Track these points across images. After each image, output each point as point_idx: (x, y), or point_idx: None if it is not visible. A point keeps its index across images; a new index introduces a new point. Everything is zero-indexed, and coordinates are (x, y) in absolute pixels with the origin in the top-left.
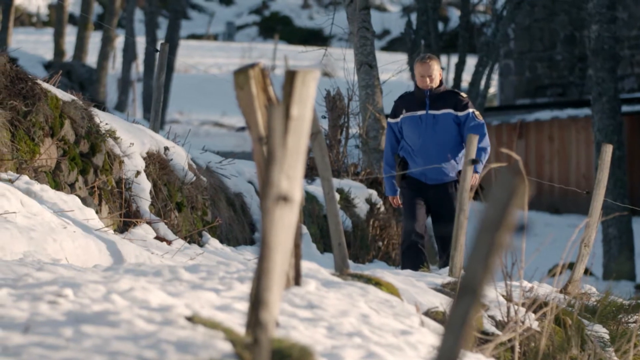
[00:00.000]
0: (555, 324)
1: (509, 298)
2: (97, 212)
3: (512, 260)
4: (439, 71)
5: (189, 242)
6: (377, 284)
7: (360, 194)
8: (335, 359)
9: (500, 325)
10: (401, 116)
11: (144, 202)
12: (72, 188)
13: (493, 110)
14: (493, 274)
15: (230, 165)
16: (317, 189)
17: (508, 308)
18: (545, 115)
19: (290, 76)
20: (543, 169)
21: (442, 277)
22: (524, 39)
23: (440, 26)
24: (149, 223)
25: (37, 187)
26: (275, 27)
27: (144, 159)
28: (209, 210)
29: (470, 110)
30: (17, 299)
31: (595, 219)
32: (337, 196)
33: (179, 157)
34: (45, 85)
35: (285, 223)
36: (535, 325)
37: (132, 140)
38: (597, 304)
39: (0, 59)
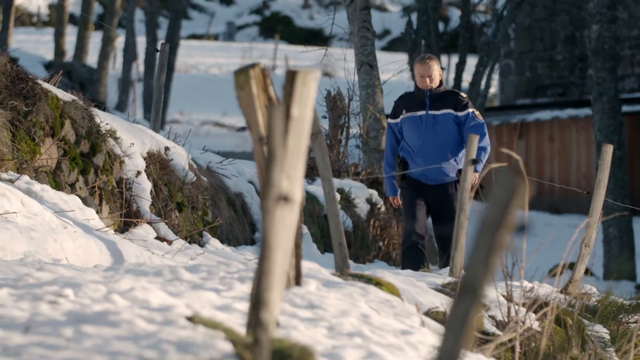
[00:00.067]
0: (555, 324)
1: (509, 298)
2: (97, 212)
3: (513, 260)
4: (439, 71)
5: (190, 242)
6: (378, 284)
7: (361, 194)
8: (335, 359)
9: (500, 325)
10: (401, 116)
11: (145, 202)
12: (72, 188)
13: (493, 110)
14: (493, 274)
15: (230, 165)
16: (317, 189)
17: (508, 308)
18: (545, 115)
19: (291, 76)
20: (543, 169)
21: (442, 277)
22: (524, 39)
23: (441, 26)
24: (149, 223)
25: (37, 187)
26: (276, 27)
27: (145, 159)
28: (210, 210)
29: (470, 110)
30: (18, 299)
31: (595, 219)
32: (338, 196)
33: (180, 157)
34: (45, 85)
35: (285, 223)
36: (535, 325)
37: (133, 140)
38: (598, 304)
39: (0, 59)
